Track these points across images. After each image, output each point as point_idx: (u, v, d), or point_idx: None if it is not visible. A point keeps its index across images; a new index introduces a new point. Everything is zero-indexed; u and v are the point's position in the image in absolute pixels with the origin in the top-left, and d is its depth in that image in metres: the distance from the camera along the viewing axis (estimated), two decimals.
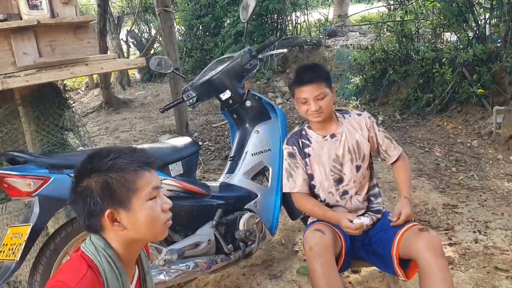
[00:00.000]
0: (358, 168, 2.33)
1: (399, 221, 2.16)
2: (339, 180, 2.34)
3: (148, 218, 1.34)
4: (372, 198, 2.39)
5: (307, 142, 2.37)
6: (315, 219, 2.37)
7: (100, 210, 1.31)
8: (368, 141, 2.35)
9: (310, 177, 2.37)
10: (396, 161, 2.39)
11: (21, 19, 2.74)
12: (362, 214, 2.34)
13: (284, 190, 2.44)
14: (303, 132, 2.40)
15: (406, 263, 2.13)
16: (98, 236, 1.37)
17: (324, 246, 2.08)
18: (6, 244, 2.10)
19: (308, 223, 2.47)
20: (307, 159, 2.36)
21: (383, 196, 2.61)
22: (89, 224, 1.34)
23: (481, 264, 2.80)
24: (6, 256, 2.07)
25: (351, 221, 2.10)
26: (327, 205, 2.36)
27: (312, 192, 2.40)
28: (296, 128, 2.46)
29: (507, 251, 2.93)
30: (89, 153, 1.38)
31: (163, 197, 1.41)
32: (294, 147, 2.37)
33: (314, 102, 2.23)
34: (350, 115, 2.41)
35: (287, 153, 2.39)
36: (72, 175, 1.38)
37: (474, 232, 3.24)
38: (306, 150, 2.36)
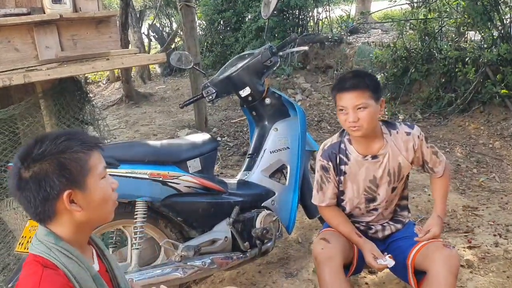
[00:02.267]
0: (393, 189, 2.23)
1: (425, 238, 2.12)
2: (372, 200, 2.24)
3: (102, 197, 1.35)
4: (397, 209, 2.33)
5: (345, 159, 2.19)
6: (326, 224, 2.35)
7: (57, 192, 1.27)
8: (412, 162, 2.19)
9: (341, 193, 2.28)
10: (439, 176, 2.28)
11: (44, 13, 2.77)
12: (382, 224, 2.31)
13: (313, 202, 2.36)
14: (342, 146, 2.21)
15: (421, 274, 2.06)
16: (45, 232, 1.33)
17: (328, 255, 2.06)
18: (25, 237, 2.13)
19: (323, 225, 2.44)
20: (341, 177, 2.22)
21: None
22: (41, 211, 1.30)
23: (501, 268, 2.75)
24: (25, 248, 2.10)
25: (375, 257, 2.06)
26: (351, 216, 2.31)
27: (338, 203, 2.33)
28: (335, 139, 2.26)
29: None
30: (35, 138, 1.34)
31: (110, 177, 1.41)
32: (330, 163, 2.20)
33: (353, 112, 2.00)
34: (397, 132, 2.17)
35: (321, 166, 2.24)
36: (11, 163, 1.35)
37: (495, 235, 3.18)
38: (343, 167, 2.20)
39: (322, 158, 2.24)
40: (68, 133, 1.35)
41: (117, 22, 6.96)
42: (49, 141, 1.30)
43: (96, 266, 1.42)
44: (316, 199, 2.32)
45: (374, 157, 2.15)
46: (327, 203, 2.28)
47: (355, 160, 2.18)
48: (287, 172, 2.84)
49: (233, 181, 2.79)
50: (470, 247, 3.02)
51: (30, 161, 1.28)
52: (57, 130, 1.33)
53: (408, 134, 2.16)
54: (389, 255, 2.07)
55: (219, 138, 6.02)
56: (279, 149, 2.81)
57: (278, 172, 2.87)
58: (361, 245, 2.14)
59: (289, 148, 2.82)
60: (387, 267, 2.06)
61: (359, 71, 2.19)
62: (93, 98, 3.34)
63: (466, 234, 3.25)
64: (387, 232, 2.31)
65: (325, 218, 2.34)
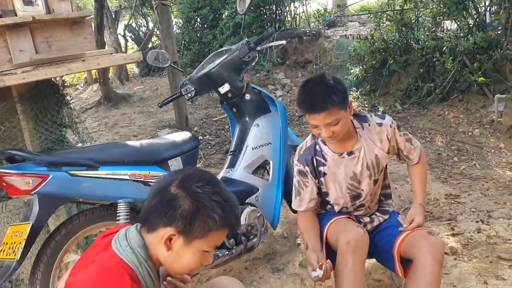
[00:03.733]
0: (375, 182, 2.23)
1: (409, 228, 2.12)
2: (356, 197, 2.24)
3: (189, 262, 1.37)
4: (382, 199, 2.35)
5: (322, 160, 2.18)
6: (329, 212, 2.32)
7: (170, 223, 1.31)
8: (388, 151, 2.19)
9: (325, 194, 2.26)
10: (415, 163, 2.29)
11: (16, 15, 2.71)
12: (370, 216, 2.31)
13: (292, 207, 2.35)
14: (317, 148, 2.20)
15: (407, 263, 2.06)
16: (140, 243, 1.36)
17: (363, 244, 2.01)
18: (6, 243, 2.09)
19: (317, 212, 2.35)
20: (322, 178, 2.21)
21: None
22: (151, 218, 1.34)
23: (484, 253, 2.78)
24: (7, 255, 2.06)
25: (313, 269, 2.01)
26: (339, 212, 2.29)
27: (324, 207, 2.32)
28: (309, 142, 2.24)
29: (509, 240, 2.91)
30: (209, 176, 1.39)
31: (212, 255, 1.43)
32: (307, 167, 2.19)
33: (326, 129, 1.99)
34: (369, 124, 2.17)
35: (297, 171, 2.23)
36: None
37: (477, 222, 3.22)
38: (321, 168, 2.19)
39: (298, 163, 2.23)
40: (227, 198, 1.37)
41: (92, 23, 6.86)
42: (212, 187, 1.34)
43: None
44: (295, 204, 2.31)
45: (350, 153, 2.15)
46: (305, 207, 2.25)
47: (331, 159, 2.17)
48: (270, 168, 2.83)
49: None
50: (453, 235, 3.05)
51: (185, 186, 1.33)
52: (220, 183, 1.39)
53: (380, 125, 2.16)
54: (320, 264, 1.99)
55: (200, 137, 6.00)
56: (261, 145, 2.80)
57: (261, 168, 2.86)
58: (308, 254, 2.08)
59: (271, 143, 2.81)
60: (321, 279, 1.99)
61: (323, 83, 2.00)
62: (71, 101, 3.29)
63: (449, 221, 3.28)
64: (375, 224, 2.32)
65: (299, 225, 2.31)
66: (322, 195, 2.27)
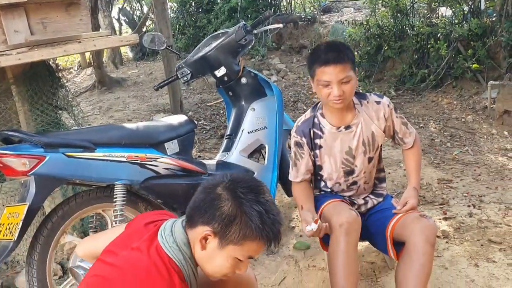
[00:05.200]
0: (370, 159, 2.25)
1: (403, 210, 2.14)
2: (350, 172, 2.26)
3: (221, 266, 1.37)
4: (376, 182, 2.37)
5: (319, 132, 2.20)
6: (323, 194, 2.34)
7: (207, 222, 1.32)
8: (384, 131, 2.22)
9: (319, 167, 2.29)
10: (409, 147, 2.32)
11: None
12: (364, 198, 2.34)
13: (289, 178, 2.36)
14: (316, 120, 2.22)
15: (400, 246, 2.09)
16: (185, 240, 1.37)
17: (356, 227, 2.04)
18: (3, 224, 2.10)
19: (321, 194, 2.37)
20: (317, 151, 2.23)
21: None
22: (191, 216, 1.36)
23: (475, 237, 2.83)
24: (4, 235, 2.07)
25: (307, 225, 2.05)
26: (332, 192, 2.33)
27: (318, 179, 2.35)
28: (308, 114, 2.26)
29: (500, 224, 2.96)
30: (260, 186, 1.40)
31: (247, 267, 1.43)
32: (304, 138, 2.22)
33: (338, 86, 1.98)
34: (368, 101, 2.20)
35: (295, 142, 2.26)
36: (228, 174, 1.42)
37: (469, 206, 3.27)
38: (317, 141, 2.21)
39: (296, 134, 2.26)
40: (269, 209, 1.36)
41: (87, 5, 6.79)
42: (256, 195, 1.34)
43: None
44: (291, 175, 2.33)
45: (348, 127, 2.17)
46: (301, 178, 2.29)
47: (329, 132, 2.19)
48: (265, 152, 2.84)
49: (212, 162, 2.78)
50: (445, 219, 3.10)
51: (231, 188, 1.34)
52: (268, 192, 1.41)
53: (378, 103, 2.20)
54: (315, 219, 2.04)
55: (195, 122, 5.99)
56: (256, 129, 2.80)
57: (256, 152, 2.87)
58: (302, 214, 2.14)
59: (266, 127, 2.82)
60: (314, 233, 2.03)
61: (336, 42, 2.15)
62: (66, 84, 3.27)
63: (442, 206, 3.32)
64: (369, 206, 2.35)
65: (294, 194, 2.35)
66: (316, 169, 2.30)
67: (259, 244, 1.35)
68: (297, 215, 3.31)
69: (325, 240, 2.18)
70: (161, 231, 1.39)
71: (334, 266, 2.03)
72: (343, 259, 2.00)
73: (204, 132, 5.66)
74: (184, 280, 1.33)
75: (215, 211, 1.31)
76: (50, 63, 3.06)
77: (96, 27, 7.66)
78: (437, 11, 6.83)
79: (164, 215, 1.50)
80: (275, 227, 1.36)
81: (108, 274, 1.33)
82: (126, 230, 1.50)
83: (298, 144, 2.25)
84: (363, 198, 2.35)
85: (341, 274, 2.00)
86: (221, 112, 6.24)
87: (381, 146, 2.32)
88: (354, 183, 2.30)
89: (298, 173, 2.29)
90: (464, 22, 6.06)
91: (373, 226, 2.24)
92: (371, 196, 2.35)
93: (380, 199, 2.36)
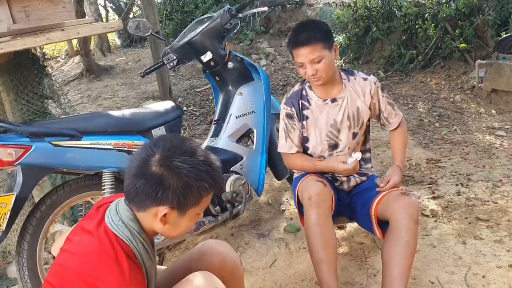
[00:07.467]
0: (354, 135, 2.28)
1: (386, 187, 2.18)
2: (334, 146, 2.28)
3: (185, 227, 1.41)
4: (362, 163, 2.38)
5: (306, 104, 2.26)
6: (303, 173, 2.34)
7: (163, 202, 1.31)
8: (370, 108, 2.26)
9: (305, 139, 2.32)
10: (395, 128, 2.35)
11: None
12: (347, 176, 2.35)
13: (280, 151, 2.38)
14: (304, 92, 2.29)
15: (386, 225, 2.11)
16: (131, 217, 1.36)
17: (324, 197, 2.08)
18: None
19: (295, 177, 2.43)
20: (304, 122, 2.27)
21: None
22: (141, 200, 1.33)
23: (463, 215, 2.86)
24: None
25: (345, 162, 2.14)
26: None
27: (304, 153, 2.37)
28: (297, 87, 2.33)
29: (487, 201, 2.99)
30: (187, 142, 1.37)
31: (201, 214, 1.46)
32: (293, 109, 2.27)
33: (310, 65, 2.09)
34: (355, 78, 2.27)
35: (285, 114, 2.30)
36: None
37: (457, 185, 3.30)
38: (305, 112, 2.26)
39: (286, 105, 2.31)
40: (211, 163, 1.36)
41: None
42: (195, 157, 1.33)
43: None
44: (284, 147, 2.35)
45: (334, 100, 2.23)
46: (296, 150, 2.32)
47: (315, 104, 2.25)
48: (254, 136, 2.84)
49: None
50: (434, 198, 3.13)
51: (168, 163, 1.30)
52: (199, 148, 1.36)
53: (365, 79, 2.26)
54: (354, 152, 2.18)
55: (184, 108, 5.97)
56: (244, 114, 2.80)
57: (245, 136, 2.87)
58: (329, 164, 2.22)
59: (254, 112, 2.82)
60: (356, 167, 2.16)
61: (308, 22, 2.19)
62: (51, 73, 3.24)
63: (430, 185, 3.35)
64: (352, 184, 2.37)
65: (290, 163, 2.39)
66: (303, 140, 2.33)
67: (210, 194, 1.40)
68: (287, 198, 3.33)
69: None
70: (107, 212, 1.39)
71: (310, 240, 2.07)
72: (317, 231, 2.03)
73: (194, 118, 5.65)
74: (134, 257, 1.32)
75: (166, 191, 1.30)
76: (37, 52, 3.02)
77: (81, 14, 7.58)
78: None
79: (117, 197, 1.48)
80: (221, 174, 1.42)
81: (63, 261, 1.34)
82: (82, 219, 1.51)
83: (289, 116, 2.29)
84: (346, 176, 2.35)
85: (318, 246, 2.03)
86: (210, 98, 6.22)
87: (368, 126, 2.34)
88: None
89: (292, 144, 2.32)
90: (452, 1, 6.06)
91: (358, 206, 2.26)
92: (355, 175, 2.36)
93: (364, 178, 2.37)
